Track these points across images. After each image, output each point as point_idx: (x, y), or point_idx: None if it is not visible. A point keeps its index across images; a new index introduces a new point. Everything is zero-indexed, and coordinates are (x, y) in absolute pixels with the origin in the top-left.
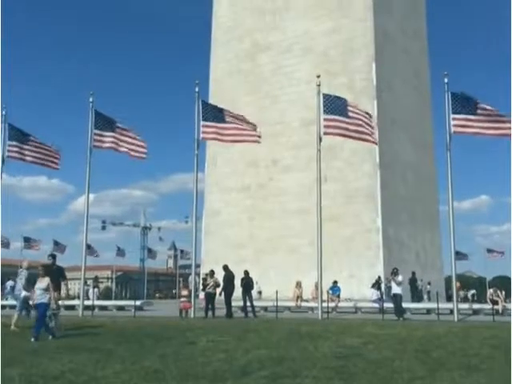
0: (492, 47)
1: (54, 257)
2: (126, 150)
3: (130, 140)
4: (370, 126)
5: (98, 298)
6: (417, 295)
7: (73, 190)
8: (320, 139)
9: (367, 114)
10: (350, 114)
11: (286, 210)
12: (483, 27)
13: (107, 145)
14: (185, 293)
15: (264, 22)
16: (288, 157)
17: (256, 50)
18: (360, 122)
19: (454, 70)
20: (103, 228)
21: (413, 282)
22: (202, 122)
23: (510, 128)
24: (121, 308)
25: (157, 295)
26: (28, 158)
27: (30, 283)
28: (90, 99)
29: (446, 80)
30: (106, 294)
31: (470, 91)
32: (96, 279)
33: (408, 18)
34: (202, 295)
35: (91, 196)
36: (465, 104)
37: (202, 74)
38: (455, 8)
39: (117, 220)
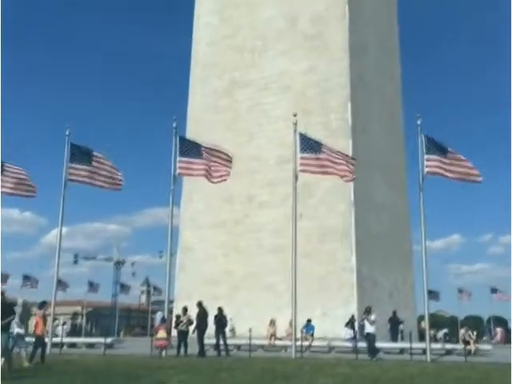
0: (465, 90)
1: (1, 293)
2: (101, 183)
3: (105, 172)
4: (347, 163)
5: (68, 335)
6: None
7: (46, 223)
8: (296, 177)
9: (345, 155)
10: (326, 153)
11: (262, 246)
12: (457, 73)
13: (82, 179)
14: (162, 334)
15: (242, 61)
16: (264, 193)
17: (234, 87)
18: (336, 160)
19: (428, 112)
20: (75, 262)
21: (394, 321)
22: (178, 158)
23: (478, 175)
24: (90, 345)
25: (121, 332)
26: (5, 190)
27: (24, 320)
28: (67, 132)
29: (418, 122)
30: (75, 331)
31: (443, 132)
32: (75, 315)
33: (383, 60)
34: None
35: (64, 229)
36: (438, 146)
37: (180, 110)
38: (429, 51)
39: (89, 254)
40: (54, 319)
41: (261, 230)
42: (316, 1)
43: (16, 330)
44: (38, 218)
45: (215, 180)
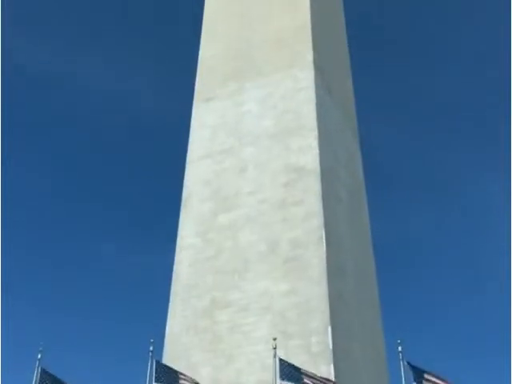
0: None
1: None
2: None
3: None
4: None
5: None
6: None
7: None
8: None
9: (327, 380)
10: (307, 382)
11: None
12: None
13: None
14: None
15: (224, 281)
16: None
17: (214, 307)
18: None
19: (410, 331)
20: None
21: None
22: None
23: None
24: None
25: None
26: None
27: None
28: (38, 356)
29: (399, 348)
30: None
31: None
32: None
33: (362, 283)
34: None
35: None
36: (421, 372)
37: (157, 331)
38: (408, 272)
39: None
40: None
41: None
42: (295, 226)
43: None
44: None
45: None
